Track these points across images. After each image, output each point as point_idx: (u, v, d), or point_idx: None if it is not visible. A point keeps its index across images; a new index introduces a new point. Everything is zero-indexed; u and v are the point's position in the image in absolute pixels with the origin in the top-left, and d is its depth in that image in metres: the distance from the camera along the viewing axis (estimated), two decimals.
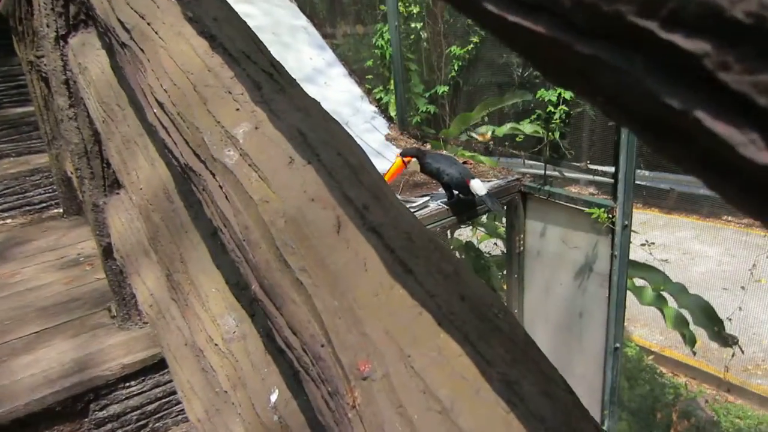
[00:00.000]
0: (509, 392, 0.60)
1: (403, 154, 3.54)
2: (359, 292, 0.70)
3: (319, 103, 0.98)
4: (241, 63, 1.00)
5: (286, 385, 1.22)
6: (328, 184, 0.81)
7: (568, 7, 0.29)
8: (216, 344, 1.33)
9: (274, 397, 1.20)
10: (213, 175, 0.91)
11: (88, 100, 1.82)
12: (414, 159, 3.52)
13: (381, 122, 5.33)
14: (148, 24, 1.08)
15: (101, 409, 2.53)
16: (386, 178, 3.61)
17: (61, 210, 4.19)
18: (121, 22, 1.14)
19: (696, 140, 0.25)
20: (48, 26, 1.89)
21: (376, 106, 5.44)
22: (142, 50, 1.08)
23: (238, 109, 0.93)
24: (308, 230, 0.77)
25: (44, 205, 4.29)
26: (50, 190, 4.27)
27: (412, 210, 3.45)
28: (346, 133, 0.93)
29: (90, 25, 1.86)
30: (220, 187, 0.89)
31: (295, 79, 1.03)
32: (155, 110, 1.04)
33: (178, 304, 1.50)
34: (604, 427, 3.54)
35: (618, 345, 3.44)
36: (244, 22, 1.14)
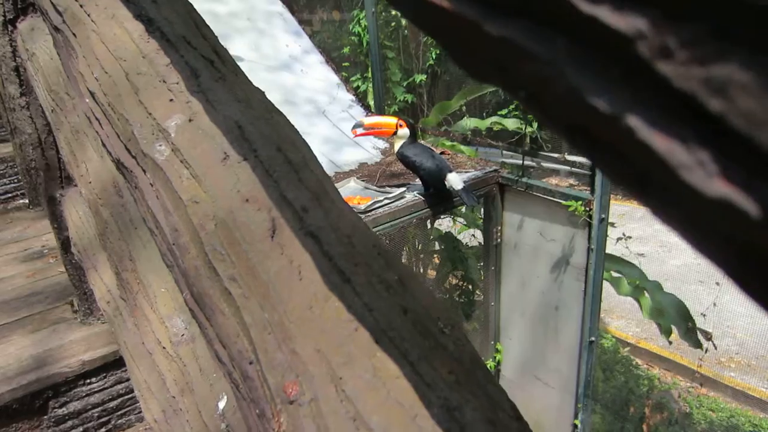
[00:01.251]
0: (449, 420, 0.53)
1: (399, 118, 3.41)
2: (291, 304, 0.63)
3: (263, 92, 0.91)
4: (180, 49, 0.92)
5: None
6: (265, 183, 0.73)
7: None
8: (164, 347, 1.26)
9: (222, 404, 1.13)
10: (144, 171, 0.83)
11: (37, 89, 1.72)
12: (404, 131, 3.36)
13: (358, 111, 5.23)
14: (81, 6, 1.00)
15: (61, 407, 2.45)
16: (372, 123, 3.50)
17: (27, 200, 4.07)
18: (53, 4, 1.05)
19: (630, 156, 0.18)
20: None
21: (354, 95, 5.35)
22: (74, 35, 1.00)
23: (172, 100, 0.85)
24: (239, 234, 0.69)
25: (9, 195, 4.17)
26: (15, 180, 4.14)
27: (388, 201, 3.39)
28: (290, 126, 0.86)
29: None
30: (151, 185, 0.81)
31: (239, 67, 0.95)
32: (87, 100, 0.96)
33: (128, 304, 1.42)
34: (578, 421, 3.52)
35: (593, 339, 3.41)
36: (190, 5, 1.06)
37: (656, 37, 0.16)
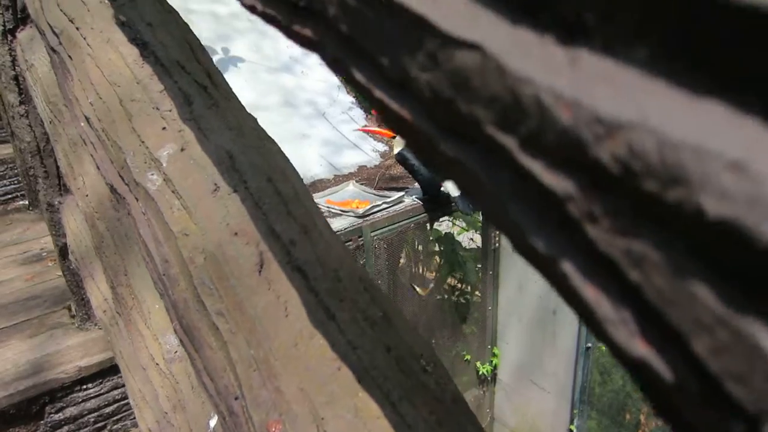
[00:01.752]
0: None
1: None
2: (277, 341, 0.64)
3: (255, 119, 0.92)
4: (173, 74, 0.93)
5: None
6: (254, 215, 0.74)
7: (428, 98, 0.23)
8: (157, 363, 1.27)
9: (212, 423, 1.14)
10: (136, 199, 0.84)
11: (36, 99, 1.73)
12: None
13: (358, 113, 5.24)
14: (77, 29, 1.01)
15: (57, 412, 2.46)
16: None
17: (27, 202, 4.08)
18: (50, 26, 1.06)
19: (567, 297, 0.19)
20: None
21: (354, 97, 5.35)
22: (70, 57, 1.01)
23: (164, 128, 0.86)
24: (228, 269, 0.70)
25: (9, 196, 4.17)
26: (15, 182, 4.15)
27: (386, 205, 3.39)
28: (281, 154, 0.87)
29: None
30: (143, 214, 0.83)
31: (232, 91, 0.96)
32: (82, 124, 0.97)
33: (123, 318, 1.43)
34: (573, 426, 3.53)
35: (590, 344, 3.42)
36: (186, 26, 1.07)
37: (583, 202, 0.17)
